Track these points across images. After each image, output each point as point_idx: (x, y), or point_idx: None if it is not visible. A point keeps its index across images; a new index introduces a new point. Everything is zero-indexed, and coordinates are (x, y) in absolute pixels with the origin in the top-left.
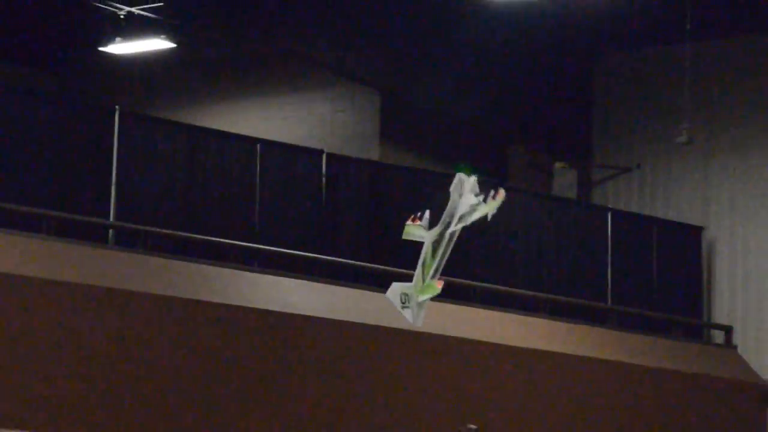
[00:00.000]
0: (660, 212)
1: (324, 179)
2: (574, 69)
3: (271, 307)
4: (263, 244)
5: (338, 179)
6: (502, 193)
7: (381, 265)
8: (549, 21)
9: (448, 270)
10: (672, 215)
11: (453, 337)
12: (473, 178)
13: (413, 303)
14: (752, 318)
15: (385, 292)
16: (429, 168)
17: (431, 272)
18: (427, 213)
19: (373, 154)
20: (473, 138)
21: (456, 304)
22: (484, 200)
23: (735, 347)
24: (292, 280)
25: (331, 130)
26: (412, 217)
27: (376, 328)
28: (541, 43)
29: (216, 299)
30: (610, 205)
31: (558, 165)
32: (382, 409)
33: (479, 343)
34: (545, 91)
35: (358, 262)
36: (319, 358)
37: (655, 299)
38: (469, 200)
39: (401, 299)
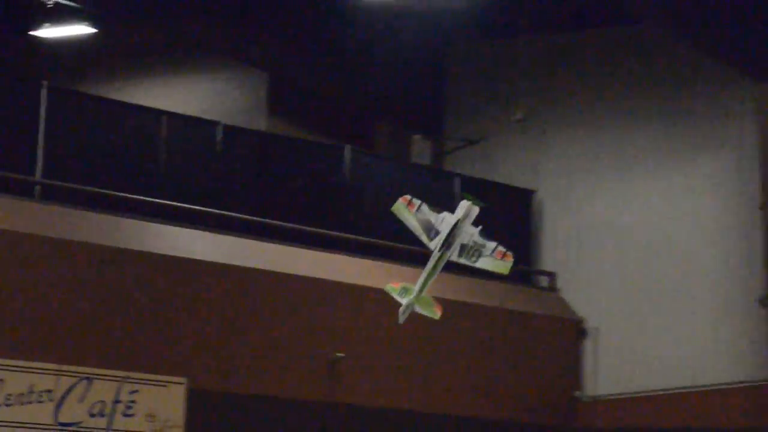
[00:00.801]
0: (499, 178)
1: (219, 146)
2: (431, 55)
3: (173, 254)
4: (168, 200)
5: (231, 146)
6: (510, 257)
7: (266, 218)
8: (411, 13)
9: (320, 222)
10: (509, 180)
11: (323, 279)
12: (476, 209)
13: (407, 304)
14: (572, 265)
15: (271, 242)
16: (309, 138)
17: (422, 288)
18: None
19: (262, 125)
20: (346, 113)
21: (324, 252)
22: (492, 252)
23: (557, 290)
24: (191, 231)
25: (225, 105)
26: (408, 200)
27: (263, 272)
28: (403, 33)
29: (127, 246)
30: (458, 172)
31: (415, 137)
32: (265, 340)
33: (345, 285)
34: (406, 74)
35: (247, 216)
36: (213, 298)
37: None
38: (469, 230)
39: (404, 310)
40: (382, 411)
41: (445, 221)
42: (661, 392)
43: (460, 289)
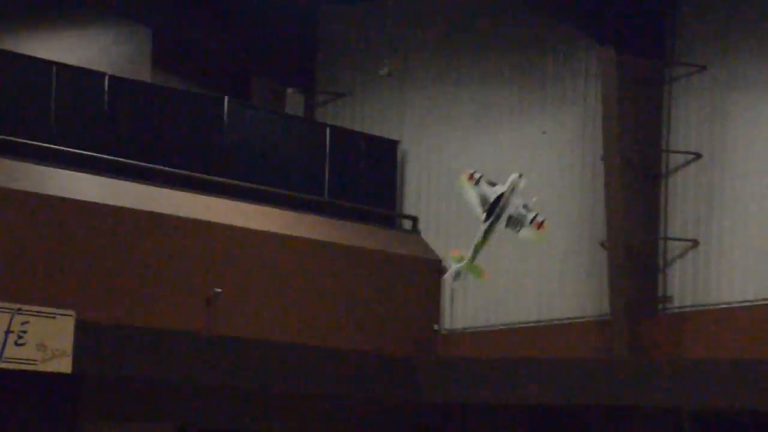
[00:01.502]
0: (366, 129)
1: (106, 96)
2: (304, 14)
3: (63, 195)
4: (58, 146)
5: (117, 96)
6: (545, 226)
7: (150, 164)
8: None
9: (201, 168)
10: (375, 131)
11: (203, 220)
12: (523, 182)
13: (461, 278)
14: (433, 210)
15: (155, 186)
16: (190, 90)
17: (479, 253)
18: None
19: (146, 77)
20: (226, 67)
21: (204, 195)
22: (531, 222)
23: (419, 232)
24: (80, 174)
25: (112, 58)
26: (469, 174)
27: (146, 213)
28: None
29: (19, 188)
30: (328, 123)
31: (289, 91)
32: (149, 276)
33: (224, 225)
34: (281, 31)
35: (132, 161)
36: (100, 237)
37: (361, 195)
38: (518, 202)
39: (453, 277)
40: (256, 342)
41: (495, 193)
42: (514, 326)
43: (331, 231)
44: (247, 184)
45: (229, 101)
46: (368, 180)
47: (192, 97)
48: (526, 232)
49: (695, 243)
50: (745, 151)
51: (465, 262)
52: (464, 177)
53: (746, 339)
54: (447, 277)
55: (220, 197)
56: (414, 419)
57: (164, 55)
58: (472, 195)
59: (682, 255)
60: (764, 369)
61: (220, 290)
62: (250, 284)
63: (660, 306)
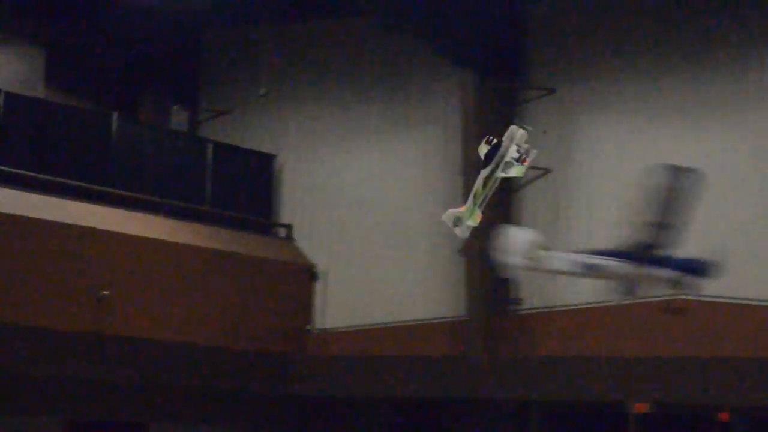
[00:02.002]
0: (246, 144)
1: (2, 111)
2: (190, 35)
3: None
4: None
5: (13, 112)
6: (526, 160)
7: (43, 174)
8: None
9: (91, 179)
10: (254, 146)
11: (93, 228)
12: (523, 132)
13: (463, 224)
14: (307, 219)
15: (48, 195)
16: (81, 106)
17: (480, 201)
18: (494, 139)
19: (40, 94)
20: (115, 85)
21: (103, 205)
22: (518, 161)
23: (294, 240)
24: None
25: (6, 75)
26: (486, 138)
27: (40, 221)
28: (166, 16)
29: None
30: (211, 138)
31: (174, 107)
32: (43, 280)
33: (113, 233)
34: (169, 52)
35: (26, 172)
36: None
37: (240, 205)
38: (516, 150)
39: (454, 222)
40: (142, 340)
41: (505, 148)
42: (379, 326)
43: (211, 238)
44: (134, 194)
45: (117, 117)
46: (247, 191)
47: (82, 113)
48: (514, 170)
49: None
50: (590, 166)
51: (465, 209)
52: (483, 142)
53: (587, 337)
54: (445, 219)
55: (109, 206)
56: (287, 412)
57: (57, 74)
58: (484, 152)
59: None
60: (602, 364)
61: (107, 293)
62: (135, 287)
63: (511, 307)
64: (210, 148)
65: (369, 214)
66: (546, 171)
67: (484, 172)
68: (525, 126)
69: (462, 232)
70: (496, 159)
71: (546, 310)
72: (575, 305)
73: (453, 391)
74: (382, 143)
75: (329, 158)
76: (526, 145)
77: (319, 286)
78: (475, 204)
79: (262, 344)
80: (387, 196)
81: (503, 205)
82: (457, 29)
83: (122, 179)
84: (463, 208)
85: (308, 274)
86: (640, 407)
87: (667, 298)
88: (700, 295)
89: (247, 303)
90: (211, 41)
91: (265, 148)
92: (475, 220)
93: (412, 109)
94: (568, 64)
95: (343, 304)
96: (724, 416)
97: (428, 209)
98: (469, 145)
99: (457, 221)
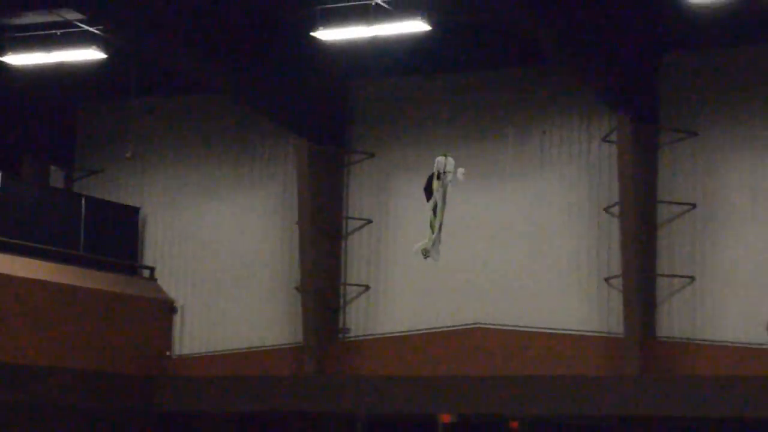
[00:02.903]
0: (114, 198)
1: None
2: (67, 105)
3: None
4: None
5: None
6: (460, 172)
7: None
8: (56, 74)
9: None
10: (121, 200)
11: None
12: (450, 159)
13: (431, 252)
14: (168, 261)
15: None
16: None
17: (437, 229)
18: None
19: None
20: (0, 147)
21: None
22: (459, 175)
23: (156, 279)
24: None
25: None
26: (436, 174)
27: None
28: (46, 88)
29: None
30: (84, 194)
31: (52, 167)
32: None
33: (1, 275)
34: (46, 120)
35: None
36: None
37: (109, 250)
38: (450, 177)
39: (423, 254)
40: (24, 367)
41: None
42: (230, 351)
43: (84, 279)
44: (18, 241)
45: (2, 175)
46: (115, 239)
47: None
48: (454, 183)
49: (367, 287)
50: (405, 217)
51: (426, 241)
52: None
53: (404, 360)
54: (416, 250)
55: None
56: (152, 428)
57: None
58: (436, 192)
59: (357, 296)
60: (416, 382)
61: None
62: (14, 321)
63: (340, 335)
64: (83, 201)
65: (220, 257)
66: (368, 221)
67: (429, 204)
68: (447, 153)
69: (434, 258)
70: (434, 190)
71: (369, 337)
72: (394, 333)
73: (292, 405)
74: (231, 198)
75: (187, 210)
76: (460, 169)
77: (177, 319)
78: (433, 232)
79: (126, 368)
80: (236, 241)
81: (331, 249)
82: (291, 103)
83: (8, 228)
84: (426, 240)
85: (168, 308)
86: (447, 418)
87: (471, 326)
88: (495, 324)
89: (115, 333)
90: (85, 111)
91: (132, 202)
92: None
93: (256, 169)
94: (386, 130)
95: (198, 333)
96: (514, 425)
97: (269, 252)
98: (303, 199)
99: (426, 252)
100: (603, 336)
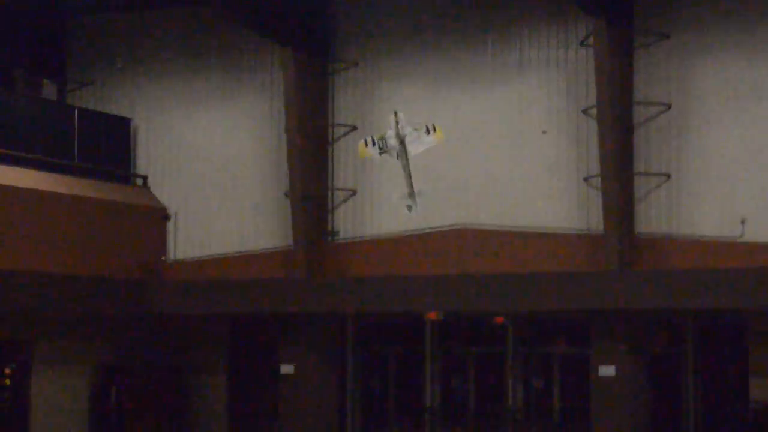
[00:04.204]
0: (106, 110)
1: None
2: (58, 16)
3: None
4: None
5: None
6: (439, 128)
7: None
8: None
9: None
10: (113, 111)
11: None
12: (401, 116)
13: (410, 202)
14: (161, 169)
15: None
16: None
17: (410, 181)
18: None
19: None
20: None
21: None
22: (427, 131)
23: (149, 187)
24: None
25: None
26: (363, 143)
27: None
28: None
29: None
30: (77, 105)
31: (45, 81)
32: None
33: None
34: (40, 33)
35: None
36: None
37: (103, 160)
38: (407, 130)
39: (407, 207)
40: (21, 273)
41: (389, 138)
42: (222, 255)
43: (79, 188)
44: (15, 152)
45: None
46: (108, 148)
47: None
48: (430, 140)
49: (354, 192)
50: (389, 123)
51: (403, 192)
52: (361, 147)
53: (390, 261)
54: (398, 203)
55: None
56: (147, 329)
57: None
58: (375, 156)
59: (345, 201)
60: (403, 282)
61: None
62: (18, 229)
63: (329, 238)
64: (76, 114)
65: (211, 164)
66: (353, 128)
67: (402, 161)
68: (396, 111)
69: (414, 209)
70: (397, 147)
71: (357, 239)
72: (380, 235)
73: (282, 307)
74: (220, 108)
75: (178, 120)
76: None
77: (170, 226)
78: (410, 185)
79: (125, 273)
80: (226, 149)
81: (319, 156)
82: (275, 13)
83: (3, 141)
84: (403, 192)
85: (161, 215)
86: (433, 315)
87: (454, 228)
88: (481, 225)
89: (110, 241)
90: (77, 23)
91: (124, 113)
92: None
93: (244, 79)
94: (370, 38)
95: (192, 238)
96: (499, 320)
97: (259, 160)
98: (290, 107)
99: (408, 204)
100: (583, 234)
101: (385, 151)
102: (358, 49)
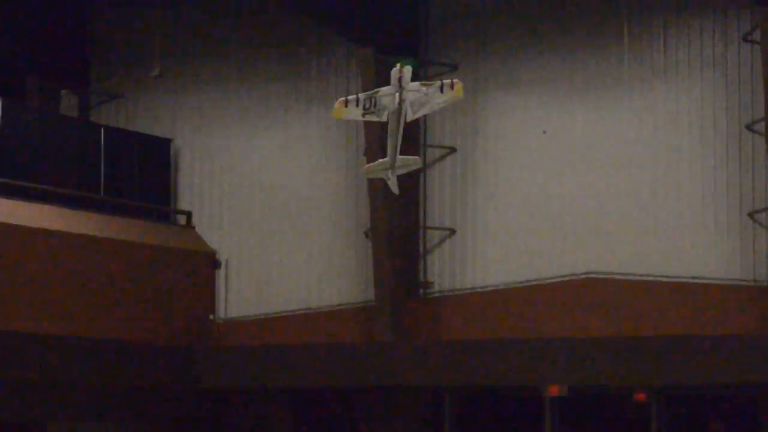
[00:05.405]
0: (139, 128)
1: None
2: (79, 18)
3: None
4: None
5: None
6: (459, 85)
7: None
8: None
9: None
10: (148, 131)
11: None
12: (408, 68)
13: (392, 177)
14: (207, 205)
15: None
16: None
17: (395, 152)
18: (360, 96)
19: None
20: (2, 68)
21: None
22: (441, 90)
23: (194, 227)
24: None
25: None
26: (344, 101)
27: None
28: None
29: None
30: (103, 123)
31: (63, 92)
32: None
33: (5, 225)
34: (56, 34)
35: None
36: None
37: (137, 192)
38: (418, 89)
39: (385, 177)
40: (37, 336)
41: (384, 95)
42: (285, 313)
43: (107, 227)
44: (24, 183)
45: (3, 101)
46: (143, 178)
47: None
48: (444, 98)
49: (452, 231)
50: (497, 143)
51: (375, 164)
52: (338, 109)
53: (499, 319)
54: (392, 185)
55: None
56: (192, 406)
57: None
58: (357, 113)
59: (441, 242)
60: (514, 346)
61: None
62: (28, 280)
63: (421, 290)
64: (102, 133)
65: (270, 198)
66: (452, 150)
67: (392, 123)
68: (406, 61)
69: (392, 189)
70: (395, 108)
71: (456, 292)
72: (486, 287)
73: (362, 379)
74: (282, 123)
75: (228, 141)
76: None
77: (221, 274)
78: (394, 156)
79: (163, 336)
80: (289, 178)
81: (408, 185)
82: (355, 9)
83: (10, 167)
84: (375, 164)
85: (209, 261)
86: (555, 390)
87: (581, 277)
88: (615, 273)
89: (147, 294)
90: (102, 23)
91: (161, 133)
92: (408, 165)
93: (312, 86)
94: (471, 40)
95: (247, 292)
96: (640, 397)
97: (331, 190)
98: (371, 126)
99: (387, 176)
100: (749, 285)
101: (371, 113)
102: (455, 51)
